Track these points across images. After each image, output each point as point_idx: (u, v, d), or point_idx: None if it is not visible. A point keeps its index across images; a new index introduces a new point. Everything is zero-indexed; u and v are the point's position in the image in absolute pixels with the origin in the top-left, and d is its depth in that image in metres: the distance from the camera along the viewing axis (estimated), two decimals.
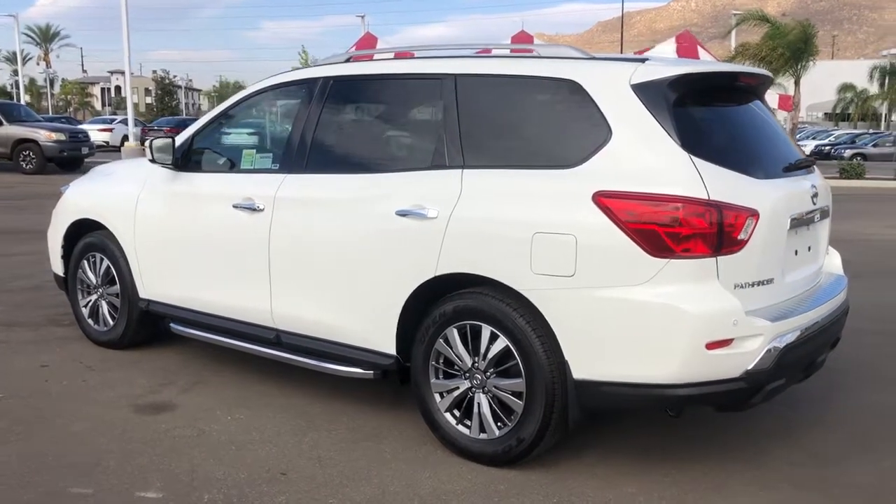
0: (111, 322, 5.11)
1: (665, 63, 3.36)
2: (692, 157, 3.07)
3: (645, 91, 3.18)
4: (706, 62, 3.62)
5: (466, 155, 3.51)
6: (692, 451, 3.68)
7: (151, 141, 4.57)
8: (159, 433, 3.83)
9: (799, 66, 23.50)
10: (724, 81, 3.68)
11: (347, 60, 4.23)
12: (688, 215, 2.97)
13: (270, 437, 3.80)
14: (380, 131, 4.00)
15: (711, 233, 2.98)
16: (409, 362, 3.70)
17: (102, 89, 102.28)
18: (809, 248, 3.69)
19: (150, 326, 5.03)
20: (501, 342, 3.34)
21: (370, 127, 4.03)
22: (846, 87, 55.39)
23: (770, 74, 4.22)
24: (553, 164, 3.30)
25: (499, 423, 3.42)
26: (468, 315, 3.44)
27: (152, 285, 4.78)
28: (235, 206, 4.21)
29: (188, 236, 4.53)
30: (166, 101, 69.69)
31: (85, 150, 21.77)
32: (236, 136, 4.88)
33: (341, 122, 4.13)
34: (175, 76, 79.75)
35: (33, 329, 5.62)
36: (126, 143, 26.53)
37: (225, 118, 4.64)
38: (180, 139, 4.63)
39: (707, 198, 2.99)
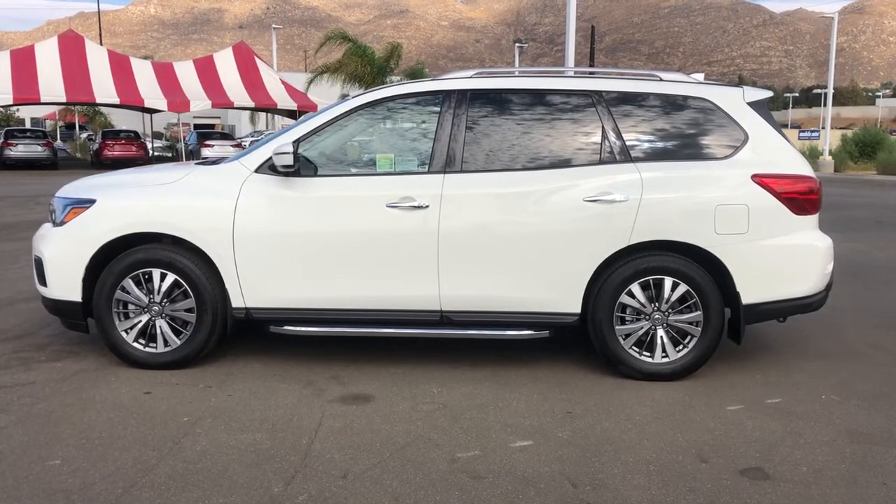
0: (177, 340, 4.81)
1: (754, 89, 4.96)
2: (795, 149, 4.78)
3: (754, 106, 4.79)
4: (763, 90, 5.21)
5: (631, 152, 4.67)
6: (781, 360, 5.39)
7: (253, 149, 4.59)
8: (412, 410, 4.19)
9: (387, 80, 26.86)
10: None
11: (474, 76, 4.93)
12: (813, 188, 4.67)
13: (494, 397, 4.42)
14: (539, 135, 4.74)
15: (817, 199, 4.74)
16: (585, 317, 4.71)
17: None
18: None
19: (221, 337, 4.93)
20: (682, 287, 4.62)
21: (528, 131, 4.72)
22: None
23: None
24: (709, 157, 4.69)
25: (678, 348, 4.69)
26: (651, 272, 4.63)
27: (259, 292, 4.72)
28: (391, 206, 4.61)
29: (321, 238, 4.66)
30: None
31: None
32: (356, 142, 5.04)
33: (496, 128, 4.76)
34: None
35: (46, 364, 4.85)
36: None
37: (335, 126, 4.84)
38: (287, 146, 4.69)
39: (813, 175, 4.72)
